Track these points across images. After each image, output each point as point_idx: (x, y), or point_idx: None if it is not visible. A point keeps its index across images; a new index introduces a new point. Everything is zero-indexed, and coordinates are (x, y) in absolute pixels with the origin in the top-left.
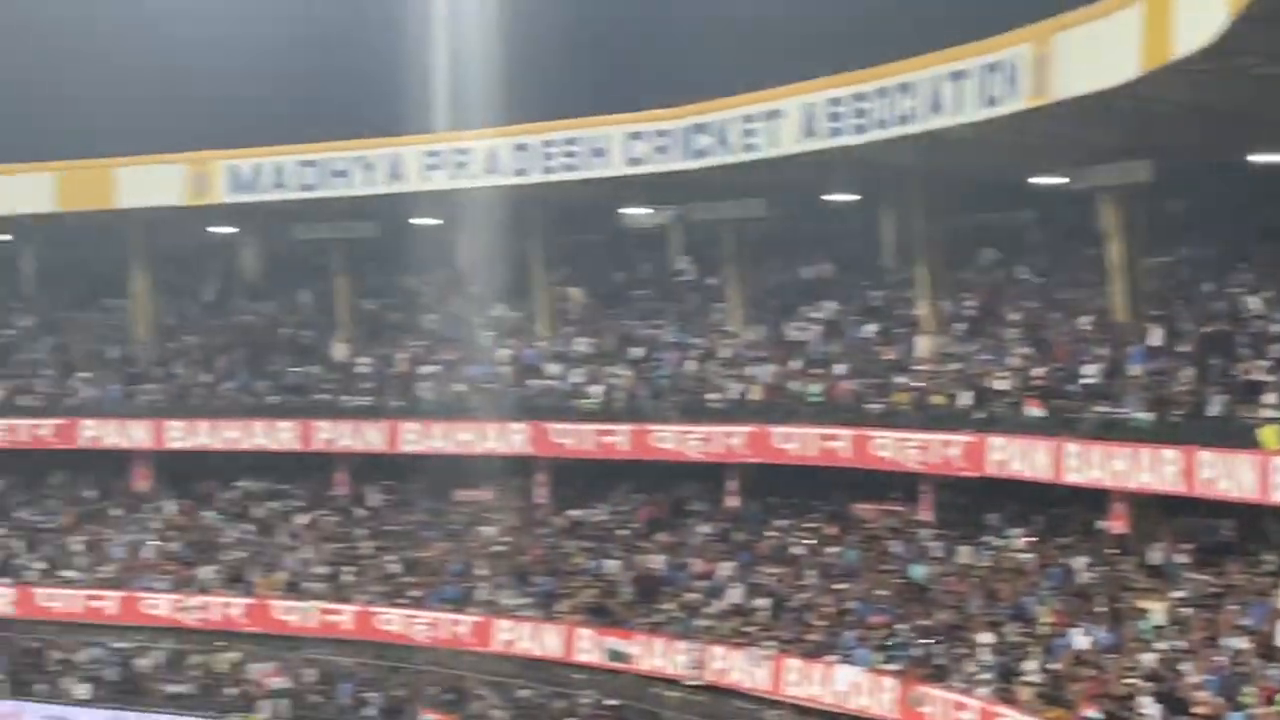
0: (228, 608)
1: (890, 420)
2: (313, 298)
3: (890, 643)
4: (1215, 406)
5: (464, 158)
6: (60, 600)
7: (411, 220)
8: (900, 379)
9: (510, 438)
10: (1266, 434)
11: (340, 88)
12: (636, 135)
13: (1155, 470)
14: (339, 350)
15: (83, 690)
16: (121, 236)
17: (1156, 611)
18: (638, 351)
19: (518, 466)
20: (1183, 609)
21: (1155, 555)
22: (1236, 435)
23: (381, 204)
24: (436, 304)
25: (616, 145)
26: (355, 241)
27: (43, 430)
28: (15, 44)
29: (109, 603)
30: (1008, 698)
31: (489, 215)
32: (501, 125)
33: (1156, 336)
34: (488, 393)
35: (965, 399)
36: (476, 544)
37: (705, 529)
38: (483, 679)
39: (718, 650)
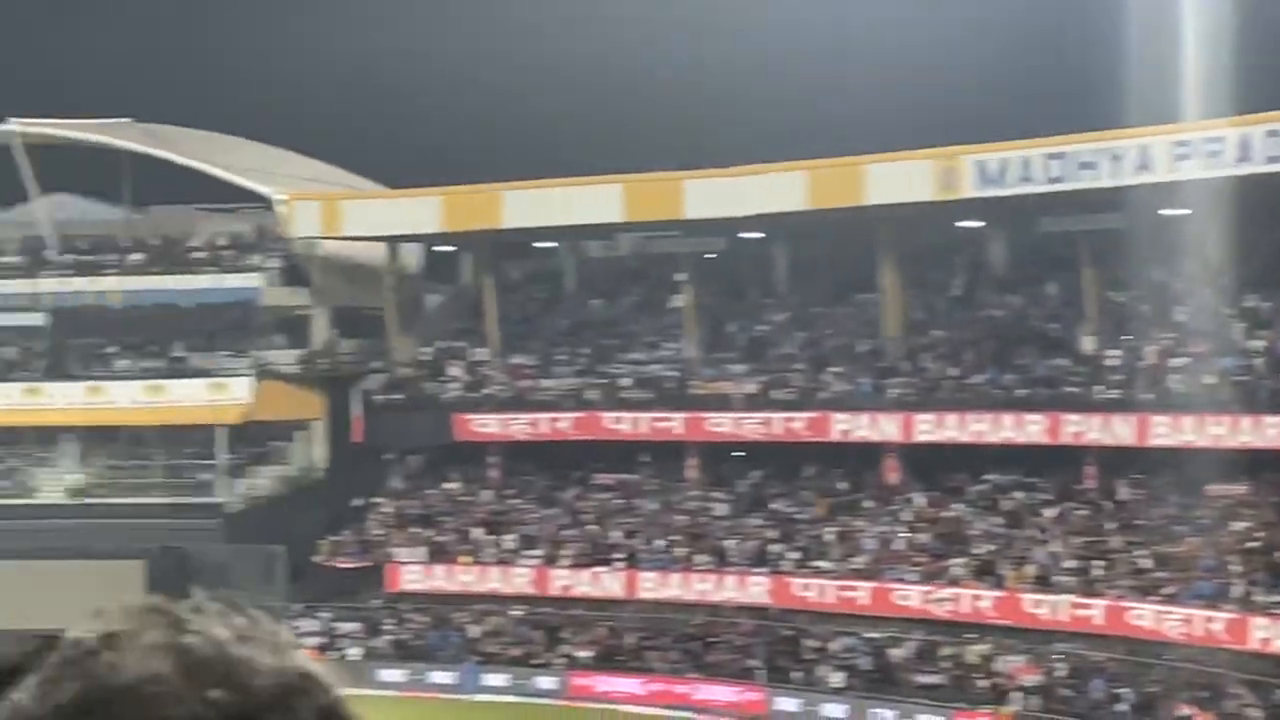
0: (977, 600)
1: None
2: (1060, 290)
3: None
4: None
5: (1216, 146)
6: (814, 590)
7: (1160, 211)
8: None
9: (1264, 431)
10: None
11: (1077, 80)
12: None
13: None
14: (1087, 343)
15: (837, 678)
16: (869, 232)
17: None
18: None
19: (1270, 460)
20: None
21: None
22: None
23: (1129, 195)
24: (1186, 295)
25: None
26: (1102, 233)
27: (796, 423)
28: (756, 50)
29: (860, 593)
30: None
31: (1240, 204)
32: (1231, 114)
33: None
34: (1240, 385)
35: None
36: (1229, 540)
37: None
38: (1238, 677)
39: None
